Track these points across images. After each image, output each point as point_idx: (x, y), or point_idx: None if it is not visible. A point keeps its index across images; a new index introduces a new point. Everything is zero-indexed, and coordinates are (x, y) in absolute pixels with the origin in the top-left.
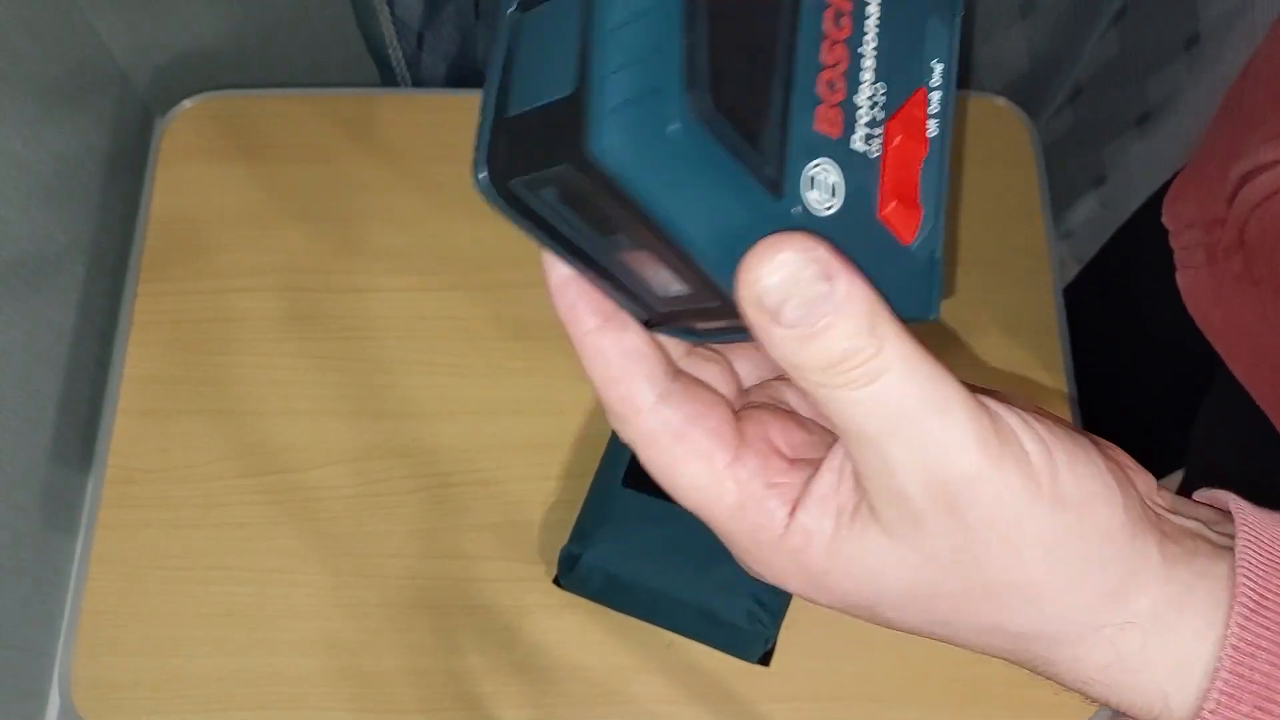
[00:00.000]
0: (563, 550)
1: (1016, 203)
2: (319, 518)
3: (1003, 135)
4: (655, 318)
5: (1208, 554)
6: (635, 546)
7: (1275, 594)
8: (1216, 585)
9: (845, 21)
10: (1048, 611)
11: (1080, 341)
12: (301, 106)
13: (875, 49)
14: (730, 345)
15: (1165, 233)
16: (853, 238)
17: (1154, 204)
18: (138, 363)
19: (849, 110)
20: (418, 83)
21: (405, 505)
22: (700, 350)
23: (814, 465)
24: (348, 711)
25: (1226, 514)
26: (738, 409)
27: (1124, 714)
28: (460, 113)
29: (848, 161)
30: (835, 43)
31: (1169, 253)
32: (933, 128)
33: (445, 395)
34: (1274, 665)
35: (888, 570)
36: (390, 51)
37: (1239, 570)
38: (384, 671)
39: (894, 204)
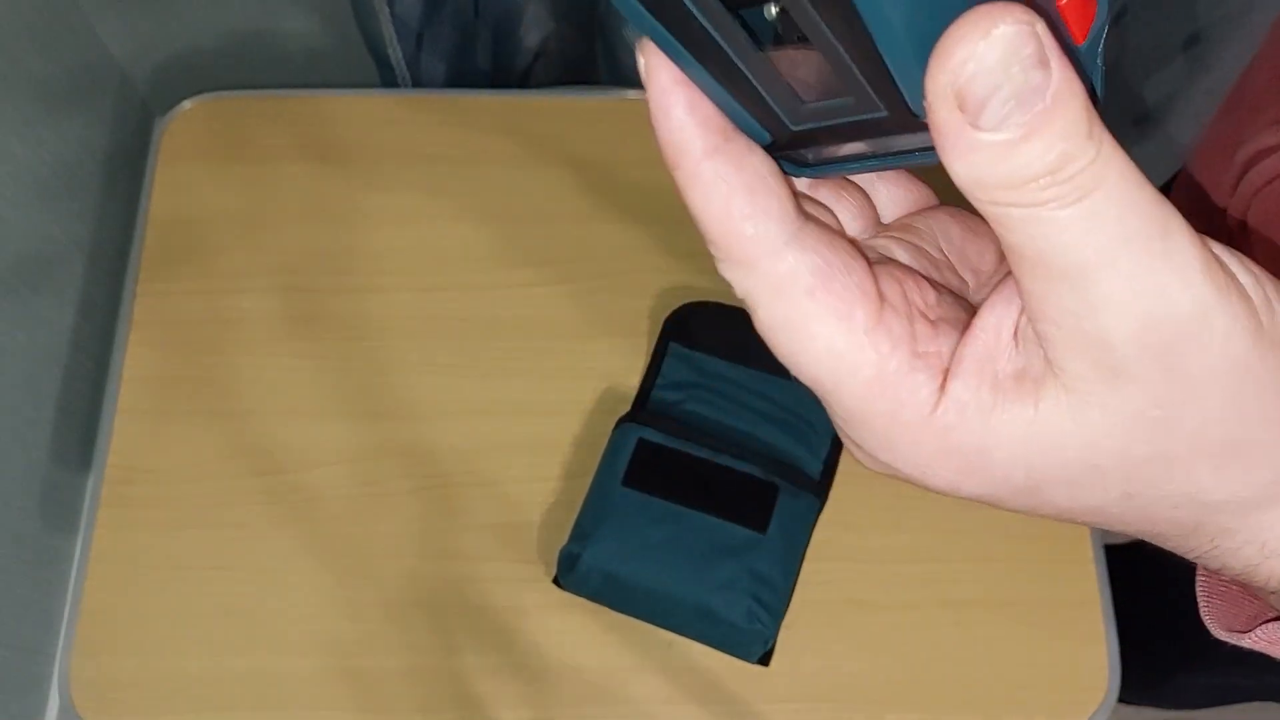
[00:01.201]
0: (562, 550)
1: None
2: (318, 518)
3: None
4: (782, 139)
5: None
6: (635, 546)
7: None
8: None
9: None
10: (1258, 472)
11: None
12: (301, 107)
13: None
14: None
15: None
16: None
17: None
18: (137, 363)
19: None
20: (417, 83)
21: (404, 505)
22: (825, 183)
23: (953, 328)
24: (346, 711)
25: None
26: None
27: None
28: (460, 113)
29: None
30: None
31: None
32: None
33: (444, 395)
34: None
35: (1065, 439)
36: (390, 52)
37: None
38: (383, 671)
39: None
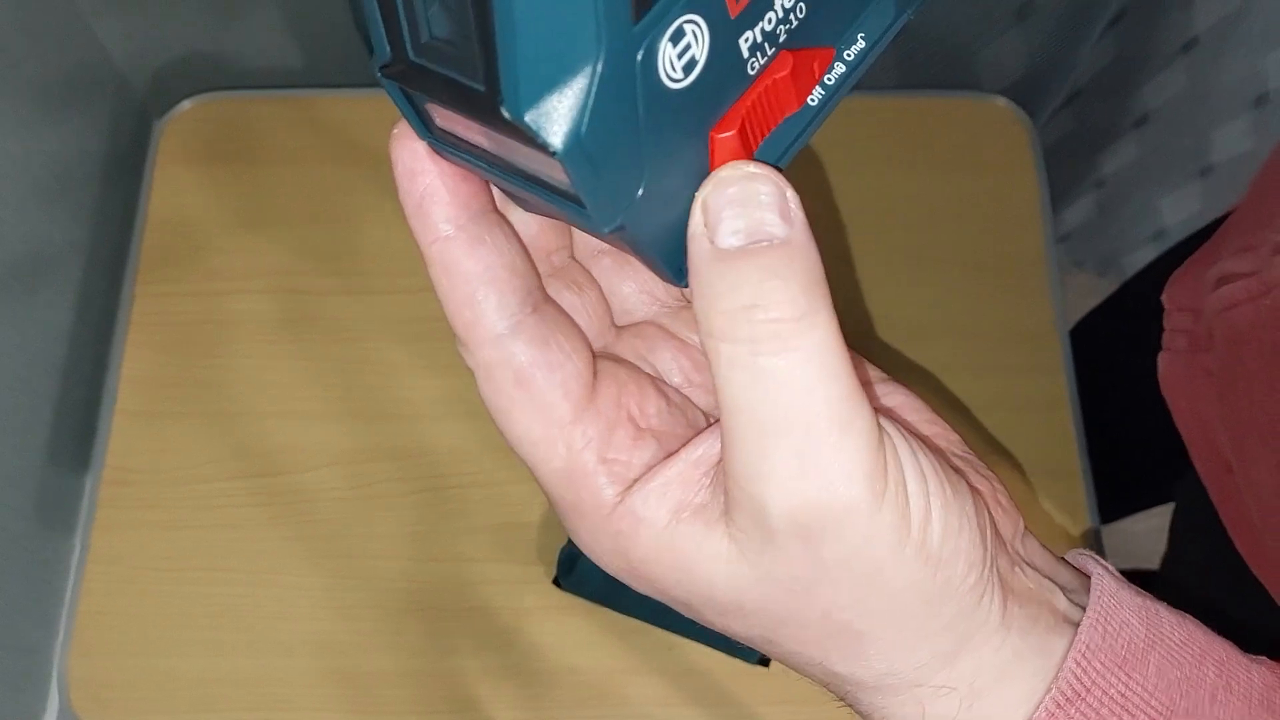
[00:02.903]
0: (562, 551)
1: (1015, 205)
2: (315, 519)
3: (1002, 137)
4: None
5: (1048, 626)
6: None
7: (1099, 688)
8: (1047, 659)
9: None
10: (873, 662)
11: (1088, 363)
12: (299, 108)
13: None
14: (617, 269)
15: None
16: (669, 130)
17: (1181, 248)
18: (135, 364)
19: (759, 4)
20: None
21: (401, 507)
22: (574, 272)
23: (660, 441)
24: (343, 714)
25: (1087, 579)
26: (598, 350)
27: None
28: None
29: (723, 46)
30: None
31: None
32: (816, 95)
33: (442, 397)
34: None
35: (718, 579)
36: None
37: (1070, 655)
38: (380, 674)
39: (732, 133)
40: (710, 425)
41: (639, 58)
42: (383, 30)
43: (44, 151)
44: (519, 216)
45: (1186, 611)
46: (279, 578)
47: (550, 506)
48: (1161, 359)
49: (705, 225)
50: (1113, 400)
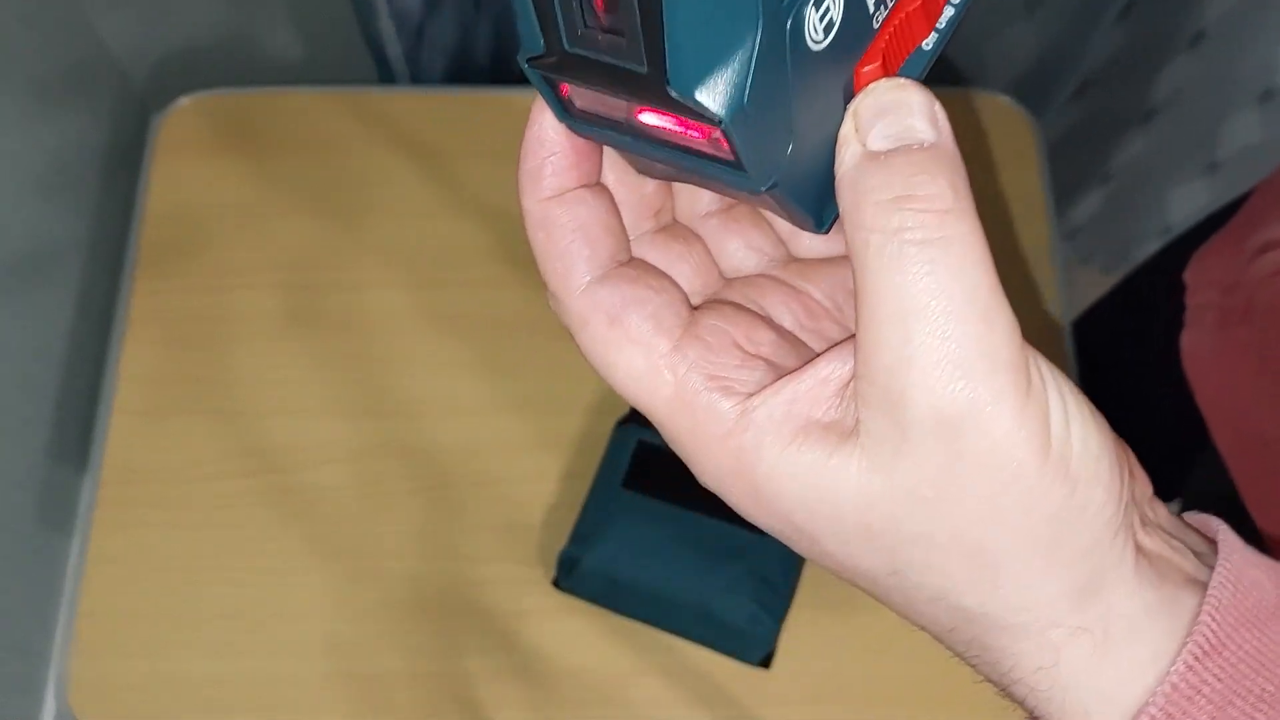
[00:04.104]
0: (562, 552)
1: (1020, 200)
2: (317, 518)
3: (1007, 132)
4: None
5: (1178, 582)
6: (635, 548)
7: (1234, 644)
8: (1177, 619)
9: None
10: (1005, 590)
11: (1093, 358)
12: (299, 103)
13: None
14: (725, 223)
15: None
16: (812, 88)
17: (1188, 239)
18: (135, 361)
19: None
20: (416, 79)
21: (404, 506)
22: (677, 229)
23: (774, 368)
24: (345, 714)
25: (1213, 543)
26: (705, 299)
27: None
28: (459, 109)
29: (854, 6)
30: None
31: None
32: (945, 18)
33: (444, 394)
34: (1211, 716)
35: (847, 496)
36: (389, 48)
37: (1204, 610)
38: (382, 674)
39: (877, 64)
40: (838, 345)
41: (788, 26)
42: (536, 24)
43: (43, 146)
44: (632, 178)
45: None
46: (281, 577)
47: (550, 507)
48: (1185, 337)
49: (856, 130)
50: (1116, 394)
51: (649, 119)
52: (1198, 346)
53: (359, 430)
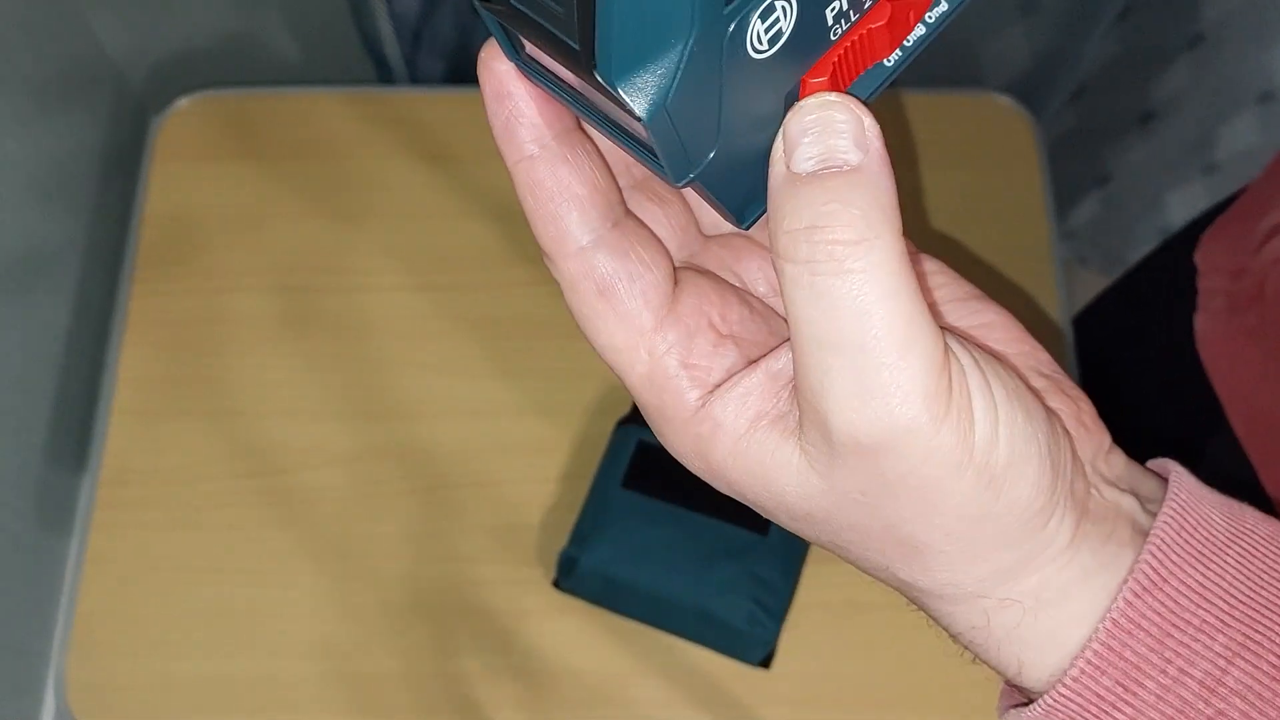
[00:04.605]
0: (561, 552)
1: (1019, 202)
2: (315, 519)
3: (1005, 134)
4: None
5: (1123, 540)
6: (635, 549)
7: (1175, 580)
8: (1115, 574)
9: None
10: (935, 573)
11: (1095, 354)
12: (298, 104)
13: None
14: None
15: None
16: (746, 94)
17: (1189, 233)
18: (133, 363)
19: None
20: (415, 80)
21: (402, 507)
22: (656, 185)
23: (741, 348)
24: (344, 715)
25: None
26: (682, 261)
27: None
28: (458, 110)
29: (809, 17)
30: None
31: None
32: (912, 38)
33: (443, 396)
34: (1151, 648)
35: (789, 485)
36: (387, 49)
37: (1146, 548)
38: (380, 675)
39: (824, 79)
40: (789, 340)
41: (728, 33)
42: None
43: (41, 148)
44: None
45: None
46: (278, 578)
47: (549, 508)
48: (1199, 321)
49: (784, 151)
50: (1117, 390)
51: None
52: (1209, 330)
53: (358, 431)
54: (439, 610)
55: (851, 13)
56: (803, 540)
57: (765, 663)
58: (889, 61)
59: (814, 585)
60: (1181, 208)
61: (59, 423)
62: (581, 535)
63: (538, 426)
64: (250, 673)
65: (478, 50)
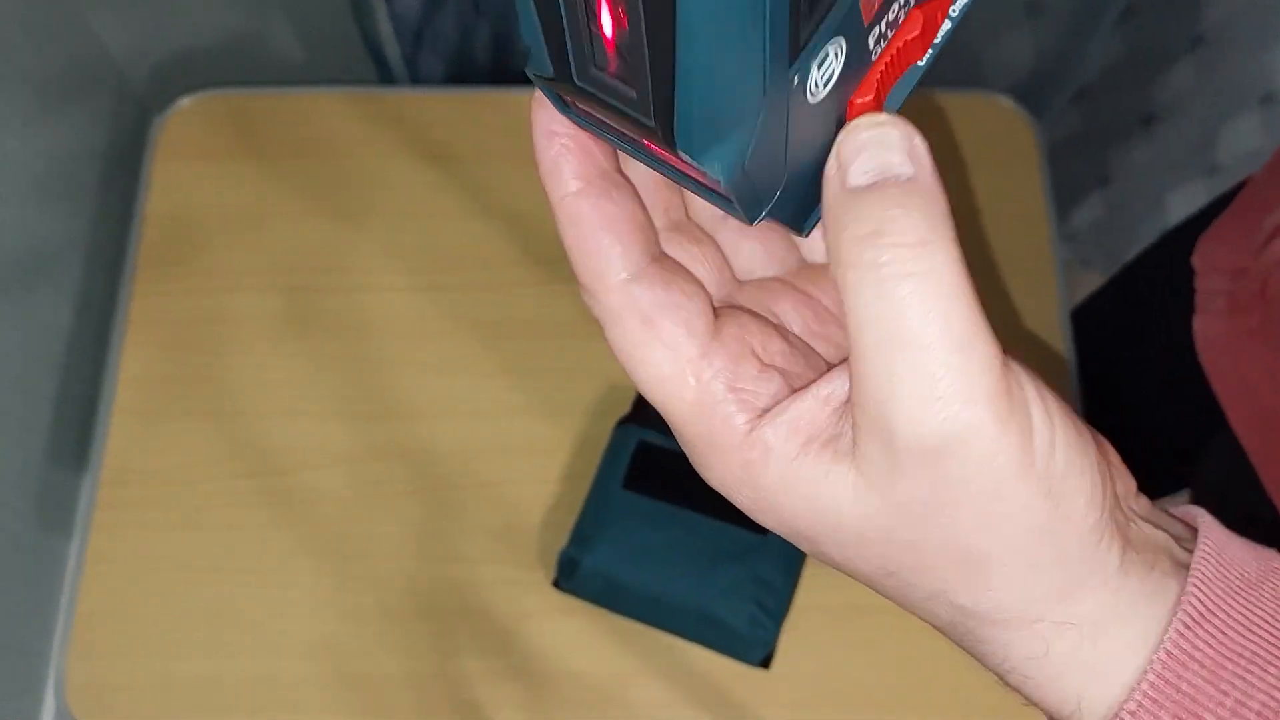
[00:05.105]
0: (562, 553)
1: (1020, 204)
2: (315, 520)
3: (1007, 135)
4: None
5: (1165, 570)
6: (635, 549)
7: (1222, 612)
8: (1163, 603)
9: None
10: (995, 590)
11: (1093, 353)
12: (298, 104)
13: None
14: (734, 226)
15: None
16: (806, 132)
17: (1186, 230)
18: (134, 363)
19: (887, 2)
20: (415, 80)
21: (403, 507)
22: (691, 229)
23: (786, 378)
24: (344, 715)
25: (1193, 530)
26: (719, 301)
27: (1035, 705)
28: (459, 110)
29: (856, 49)
30: None
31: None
32: (940, 35)
33: (444, 396)
34: (1205, 680)
35: (844, 508)
36: (387, 49)
37: (1190, 581)
38: (380, 675)
39: (870, 97)
40: (839, 365)
41: (792, 88)
42: (544, 48)
43: (42, 148)
44: (637, 172)
45: None
46: (279, 578)
47: (549, 509)
48: (1198, 322)
49: (838, 168)
50: (1115, 389)
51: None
52: (1209, 332)
53: (358, 432)
54: (439, 610)
55: (889, 31)
56: None
57: (765, 663)
58: (922, 62)
59: (814, 587)
60: (1183, 209)
61: (60, 422)
62: (582, 536)
63: (538, 426)
64: (250, 673)
65: (477, 51)
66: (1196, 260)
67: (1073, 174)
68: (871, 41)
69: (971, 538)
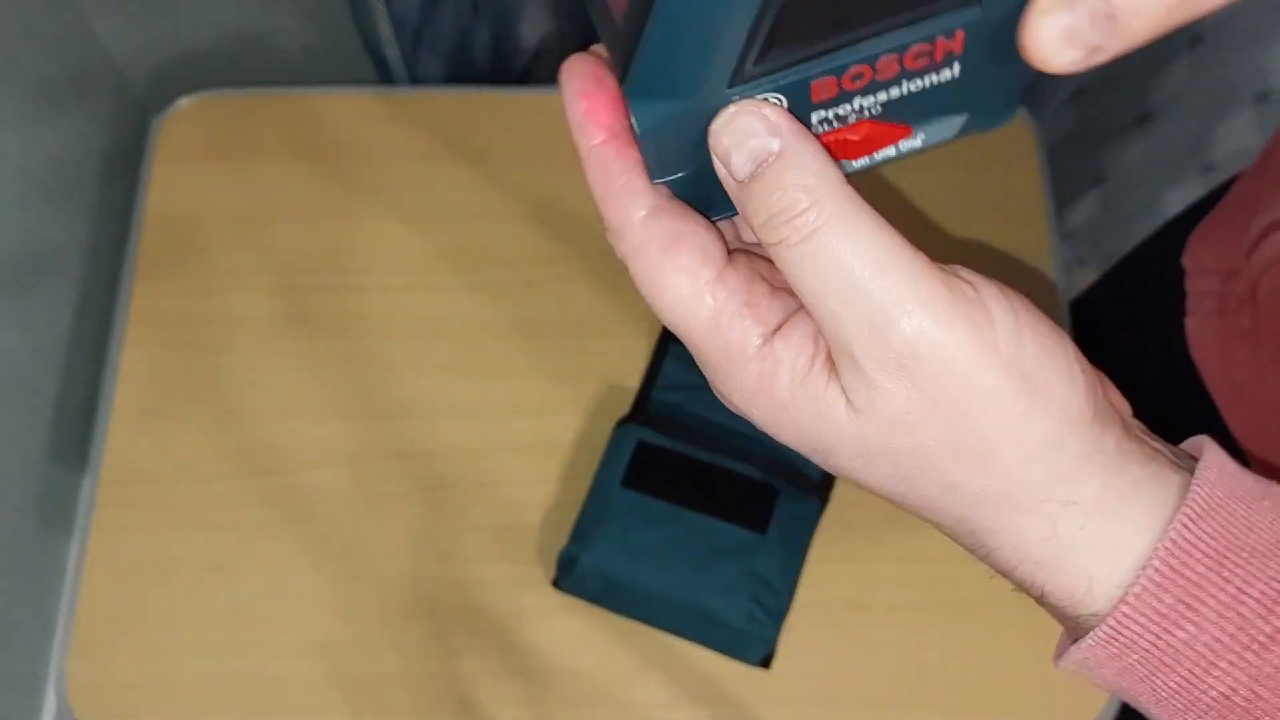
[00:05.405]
0: (561, 552)
1: (1018, 202)
2: (315, 519)
3: (1004, 134)
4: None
5: (1164, 464)
6: (634, 548)
7: (1225, 511)
8: (1166, 490)
9: (921, 59)
10: (995, 476)
11: (1085, 348)
12: (298, 105)
13: (912, 89)
14: None
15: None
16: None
17: (1178, 226)
18: (134, 363)
19: (843, 99)
20: (415, 81)
21: (402, 507)
22: None
23: (794, 298)
24: (344, 715)
25: (1192, 459)
26: (731, 245)
27: (1045, 601)
28: (458, 111)
29: (796, 113)
30: (895, 59)
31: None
32: (886, 154)
33: (443, 396)
34: (1210, 569)
35: (842, 426)
36: (387, 49)
37: (1194, 483)
38: (380, 675)
39: None
40: None
41: (723, 103)
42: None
43: (43, 149)
44: None
45: None
46: (279, 578)
47: (549, 508)
48: (1190, 324)
49: (725, 170)
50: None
51: None
52: (1201, 333)
53: (358, 432)
54: (439, 610)
55: (835, 121)
56: (803, 539)
57: (765, 663)
58: (852, 165)
59: (814, 585)
60: (1179, 207)
61: (60, 422)
62: (581, 535)
63: (538, 426)
64: (250, 672)
65: (477, 51)
66: (1187, 261)
67: (1069, 173)
68: (815, 119)
69: (961, 430)
